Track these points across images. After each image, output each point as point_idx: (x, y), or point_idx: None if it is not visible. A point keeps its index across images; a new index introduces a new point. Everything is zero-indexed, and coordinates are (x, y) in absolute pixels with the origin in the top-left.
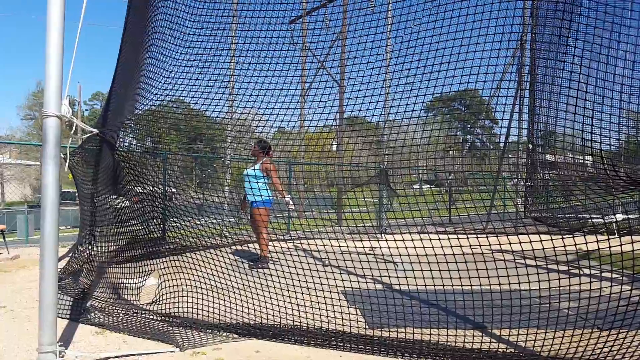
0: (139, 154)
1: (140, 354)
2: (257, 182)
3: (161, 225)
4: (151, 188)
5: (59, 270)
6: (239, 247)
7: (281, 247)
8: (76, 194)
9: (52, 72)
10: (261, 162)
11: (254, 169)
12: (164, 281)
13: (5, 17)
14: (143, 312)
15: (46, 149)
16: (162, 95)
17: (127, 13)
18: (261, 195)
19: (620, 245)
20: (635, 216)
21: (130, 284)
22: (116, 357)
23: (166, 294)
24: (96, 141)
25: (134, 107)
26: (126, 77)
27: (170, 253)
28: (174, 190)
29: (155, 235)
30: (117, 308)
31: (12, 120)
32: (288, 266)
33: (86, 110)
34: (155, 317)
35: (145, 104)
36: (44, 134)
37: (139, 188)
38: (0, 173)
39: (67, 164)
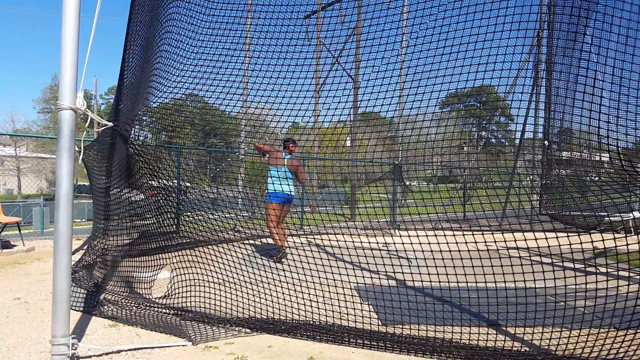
0: (153, 148)
1: (152, 347)
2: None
3: (175, 219)
4: (165, 182)
5: (73, 263)
6: (252, 242)
7: (294, 242)
8: (90, 188)
9: (68, 65)
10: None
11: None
12: (177, 275)
13: (23, 12)
14: (156, 305)
15: (61, 141)
16: (176, 89)
17: (131, 4)
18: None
19: (639, 242)
20: None
21: (143, 277)
22: (129, 350)
23: (179, 287)
24: (110, 134)
25: (147, 101)
26: (138, 69)
27: (184, 247)
28: (188, 184)
29: (169, 229)
30: (130, 301)
31: (29, 113)
32: (301, 261)
33: (102, 104)
34: (167, 311)
35: (159, 97)
36: (59, 126)
37: (153, 182)
38: (16, 166)
39: (81, 156)
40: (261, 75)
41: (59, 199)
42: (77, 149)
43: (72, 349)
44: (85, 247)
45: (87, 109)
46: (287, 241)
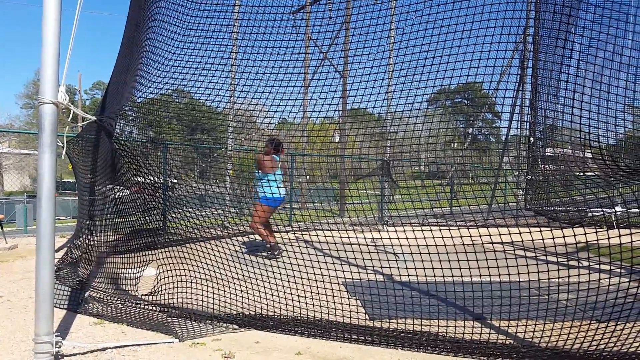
0: (138, 143)
1: (139, 345)
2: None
3: (161, 216)
4: (151, 177)
5: (57, 260)
6: (240, 238)
7: (282, 238)
8: (76, 184)
9: (49, 58)
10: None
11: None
12: (163, 271)
13: (4, 6)
14: (142, 302)
15: (42, 136)
16: (161, 84)
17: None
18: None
19: (619, 236)
20: (635, 210)
21: (129, 274)
22: (115, 347)
23: (165, 284)
24: (95, 130)
25: (132, 95)
26: (125, 64)
27: (170, 244)
28: (174, 180)
29: (155, 226)
30: (115, 298)
31: (11, 109)
32: (289, 257)
33: (87, 99)
34: (154, 308)
35: (144, 91)
36: (40, 121)
37: (140, 177)
38: None
39: (64, 151)
40: (247, 71)
41: (40, 195)
42: (60, 144)
43: (56, 347)
44: (70, 245)
45: (69, 103)
46: (275, 237)
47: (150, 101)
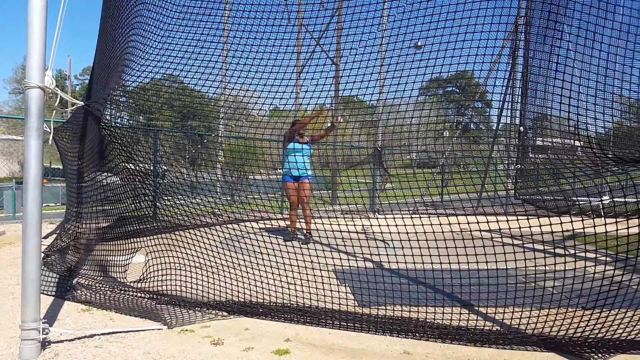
0: (126, 129)
1: (127, 332)
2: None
3: (151, 203)
4: (140, 164)
5: (46, 247)
6: (231, 225)
7: (272, 225)
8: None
9: (35, 42)
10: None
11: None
12: (152, 258)
13: None
14: (130, 289)
15: (28, 121)
16: (149, 69)
17: None
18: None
19: (605, 225)
20: (621, 199)
21: (118, 261)
22: (102, 334)
23: (154, 271)
24: (83, 115)
25: (120, 80)
26: (110, 48)
27: (160, 231)
28: (164, 167)
29: (144, 213)
30: (104, 285)
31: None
32: (279, 244)
33: (77, 85)
34: (142, 295)
35: (132, 75)
36: (26, 105)
37: (127, 164)
38: None
39: (51, 136)
40: (239, 56)
41: (27, 181)
42: (47, 130)
43: (43, 334)
44: (59, 232)
45: (56, 88)
46: (264, 224)
47: (139, 86)
